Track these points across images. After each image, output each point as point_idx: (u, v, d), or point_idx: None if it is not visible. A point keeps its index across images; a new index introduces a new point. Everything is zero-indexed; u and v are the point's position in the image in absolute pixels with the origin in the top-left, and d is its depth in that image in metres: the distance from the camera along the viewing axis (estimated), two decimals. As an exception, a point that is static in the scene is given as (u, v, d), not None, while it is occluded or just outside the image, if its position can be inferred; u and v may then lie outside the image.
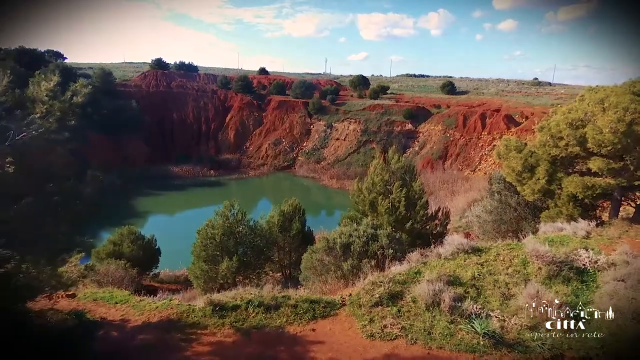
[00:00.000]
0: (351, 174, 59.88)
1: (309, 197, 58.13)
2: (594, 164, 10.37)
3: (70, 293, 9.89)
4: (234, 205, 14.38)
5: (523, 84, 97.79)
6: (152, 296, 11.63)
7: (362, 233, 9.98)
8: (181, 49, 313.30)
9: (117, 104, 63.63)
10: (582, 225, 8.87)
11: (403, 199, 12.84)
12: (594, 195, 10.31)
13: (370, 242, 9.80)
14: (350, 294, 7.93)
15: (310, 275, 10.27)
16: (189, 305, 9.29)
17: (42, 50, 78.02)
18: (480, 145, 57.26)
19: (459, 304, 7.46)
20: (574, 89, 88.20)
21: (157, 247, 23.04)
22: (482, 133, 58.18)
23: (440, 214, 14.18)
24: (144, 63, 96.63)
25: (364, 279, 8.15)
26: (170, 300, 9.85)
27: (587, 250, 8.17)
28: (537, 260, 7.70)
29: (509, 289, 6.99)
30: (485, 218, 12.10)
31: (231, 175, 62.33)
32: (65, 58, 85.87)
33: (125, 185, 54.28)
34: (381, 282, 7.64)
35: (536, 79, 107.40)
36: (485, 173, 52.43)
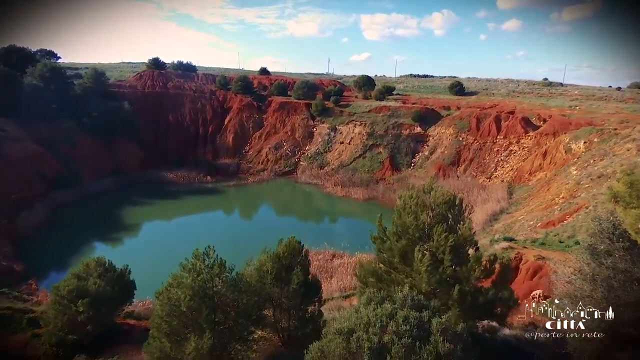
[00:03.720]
0: (357, 180, 56.26)
1: (311, 205, 54.50)
2: None
3: None
4: (209, 253, 10.49)
5: (534, 84, 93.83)
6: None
7: (402, 327, 6.22)
8: (182, 50, 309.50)
9: (109, 106, 60.16)
10: None
11: (449, 249, 9.09)
12: None
13: (417, 344, 6.13)
14: None
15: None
16: None
17: (34, 50, 74.87)
18: (495, 150, 53.39)
19: None
20: (588, 90, 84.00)
21: (131, 279, 19.35)
22: (498, 137, 54.31)
23: (495, 267, 10.22)
24: (142, 63, 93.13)
25: None
26: None
27: None
28: None
29: None
30: (588, 291, 8.09)
31: (229, 181, 58.60)
32: (59, 58, 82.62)
33: (116, 193, 50.87)
34: None
35: (546, 79, 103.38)
36: (503, 180, 48.68)
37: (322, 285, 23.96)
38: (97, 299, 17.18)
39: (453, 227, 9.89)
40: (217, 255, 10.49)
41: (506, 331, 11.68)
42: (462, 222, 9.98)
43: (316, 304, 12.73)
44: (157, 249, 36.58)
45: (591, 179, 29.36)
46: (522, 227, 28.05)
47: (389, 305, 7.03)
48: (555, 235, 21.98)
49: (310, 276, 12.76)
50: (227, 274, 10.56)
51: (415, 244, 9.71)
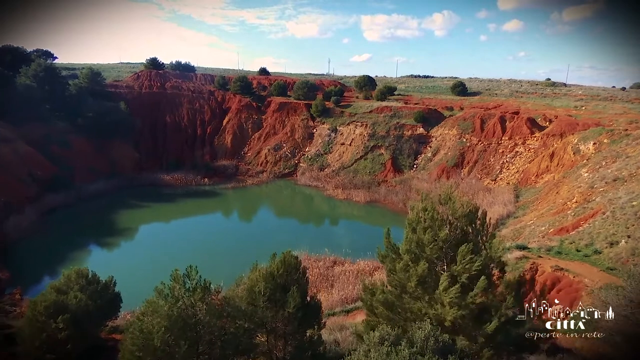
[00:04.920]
0: (358, 182, 54.91)
1: (311, 208, 53.10)
2: None
3: None
4: (190, 274, 8.93)
5: (537, 84, 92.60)
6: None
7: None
8: (182, 50, 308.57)
9: (105, 106, 58.83)
10: None
11: (476, 273, 7.58)
12: None
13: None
14: None
15: None
16: None
17: (31, 50, 73.62)
18: (500, 151, 51.97)
19: None
20: (592, 90, 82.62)
21: (117, 291, 17.98)
22: (503, 138, 52.91)
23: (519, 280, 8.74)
24: (141, 63, 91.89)
25: None
26: None
27: None
28: None
29: None
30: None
31: (227, 183, 57.16)
32: (56, 58, 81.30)
33: (111, 195, 49.49)
34: None
35: (549, 79, 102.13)
36: (508, 183, 47.26)
37: (322, 296, 22.49)
38: (78, 314, 15.78)
39: (476, 245, 8.48)
40: (200, 276, 9.02)
41: (531, 359, 10.29)
42: (487, 239, 8.56)
43: (315, 327, 11.30)
44: (152, 254, 35.24)
45: (606, 182, 27.95)
46: (532, 233, 26.62)
47: (406, 349, 5.65)
48: (571, 243, 20.57)
49: (308, 297, 11.33)
50: (213, 298, 9.13)
51: (433, 264, 8.32)
